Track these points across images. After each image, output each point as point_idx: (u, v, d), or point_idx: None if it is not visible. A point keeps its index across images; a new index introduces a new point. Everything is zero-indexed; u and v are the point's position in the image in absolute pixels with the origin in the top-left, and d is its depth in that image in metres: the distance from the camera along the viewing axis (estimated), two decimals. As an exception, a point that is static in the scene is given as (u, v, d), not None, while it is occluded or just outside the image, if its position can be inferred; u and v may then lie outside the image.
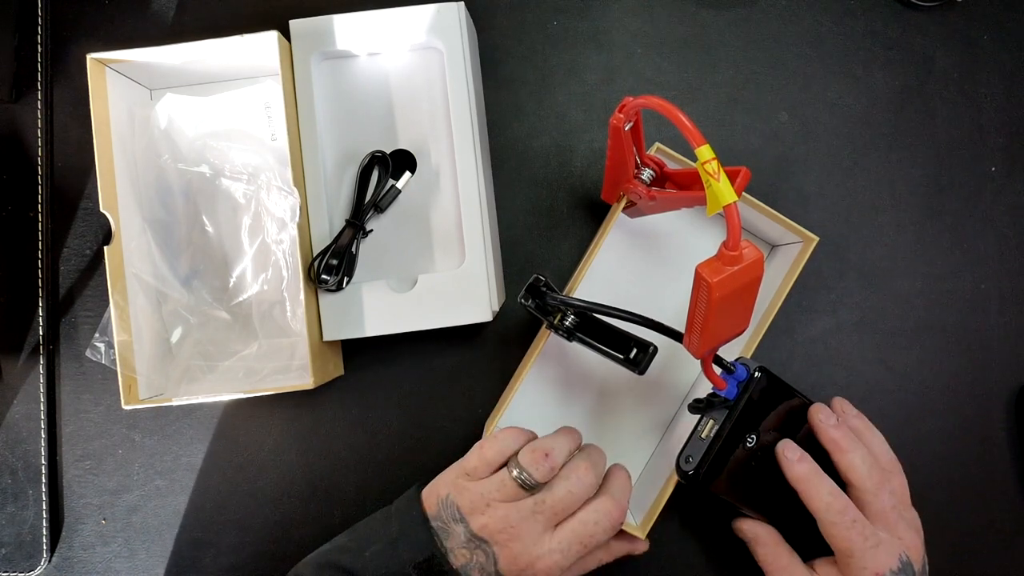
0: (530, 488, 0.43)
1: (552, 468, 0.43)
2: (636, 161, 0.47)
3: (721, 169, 0.34)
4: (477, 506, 0.43)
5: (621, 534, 0.48)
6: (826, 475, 0.46)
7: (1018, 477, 0.56)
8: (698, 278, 0.36)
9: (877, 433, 0.49)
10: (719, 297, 0.36)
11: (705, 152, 0.34)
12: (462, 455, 0.46)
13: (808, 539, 0.48)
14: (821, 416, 0.48)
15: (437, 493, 0.44)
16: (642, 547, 0.49)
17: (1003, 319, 0.56)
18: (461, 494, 0.44)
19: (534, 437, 0.46)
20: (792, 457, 0.46)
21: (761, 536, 0.49)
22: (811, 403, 0.50)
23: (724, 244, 0.35)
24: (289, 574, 0.46)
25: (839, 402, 0.50)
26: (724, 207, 0.34)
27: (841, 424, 0.48)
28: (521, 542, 0.42)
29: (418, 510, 0.44)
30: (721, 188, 0.34)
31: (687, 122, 0.35)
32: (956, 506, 0.55)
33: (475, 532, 0.42)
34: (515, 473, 0.43)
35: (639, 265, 0.55)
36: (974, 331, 0.56)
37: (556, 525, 0.43)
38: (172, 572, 0.56)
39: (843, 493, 0.45)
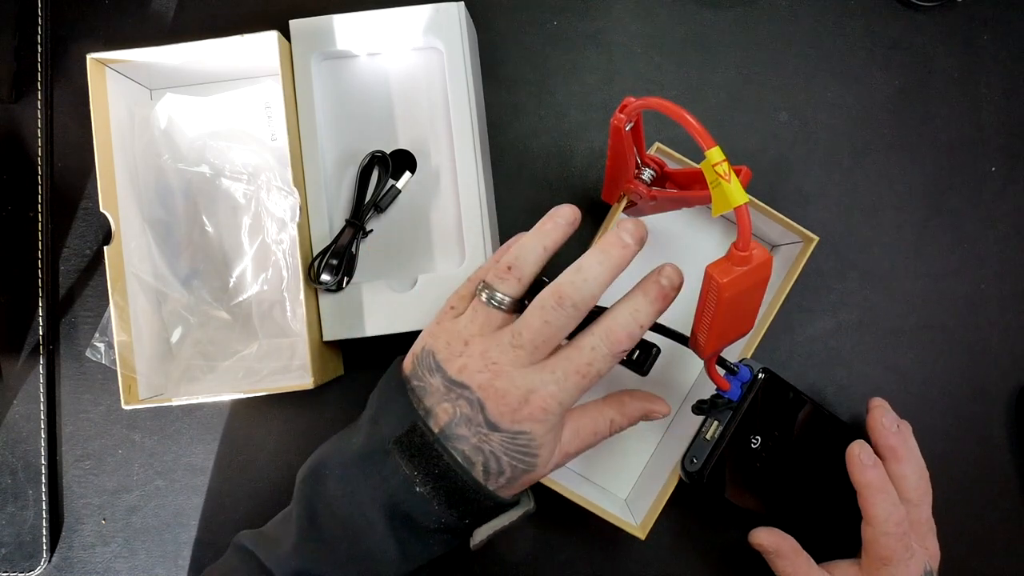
0: (507, 310, 0.38)
1: (519, 280, 0.38)
2: (636, 161, 0.47)
3: (732, 171, 0.34)
4: (454, 348, 0.37)
5: (637, 392, 0.43)
6: (891, 485, 0.46)
7: (1018, 477, 0.56)
8: (708, 278, 0.36)
9: (914, 446, 0.50)
10: (728, 297, 0.36)
11: (716, 154, 0.34)
12: None
13: (814, 539, 0.49)
14: (885, 421, 0.48)
15: (414, 350, 0.39)
16: (662, 409, 0.43)
17: (1003, 319, 0.56)
18: (437, 339, 0.38)
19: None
20: (867, 462, 0.46)
21: (783, 548, 0.48)
22: (814, 404, 0.50)
23: (734, 244, 0.35)
24: (301, 469, 0.42)
25: (880, 410, 0.50)
26: (735, 208, 0.34)
27: (900, 431, 0.48)
28: (507, 377, 0.36)
29: (396, 378, 0.39)
30: (732, 189, 0.34)
31: (696, 124, 0.35)
32: (956, 506, 0.55)
33: (453, 378, 0.37)
34: (484, 296, 0.38)
35: (639, 265, 0.55)
36: (974, 331, 0.56)
37: (546, 357, 0.37)
38: (172, 572, 0.56)
39: (901, 505, 0.46)
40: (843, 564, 0.48)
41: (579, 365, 0.37)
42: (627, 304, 0.38)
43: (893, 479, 0.47)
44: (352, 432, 0.41)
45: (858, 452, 0.46)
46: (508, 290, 0.38)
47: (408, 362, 0.40)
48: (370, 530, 0.37)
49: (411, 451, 0.36)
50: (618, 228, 0.38)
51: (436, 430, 0.37)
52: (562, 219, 0.39)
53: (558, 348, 0.38)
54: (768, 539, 0.48)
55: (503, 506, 0.39)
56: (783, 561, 0.47)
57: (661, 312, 0.39)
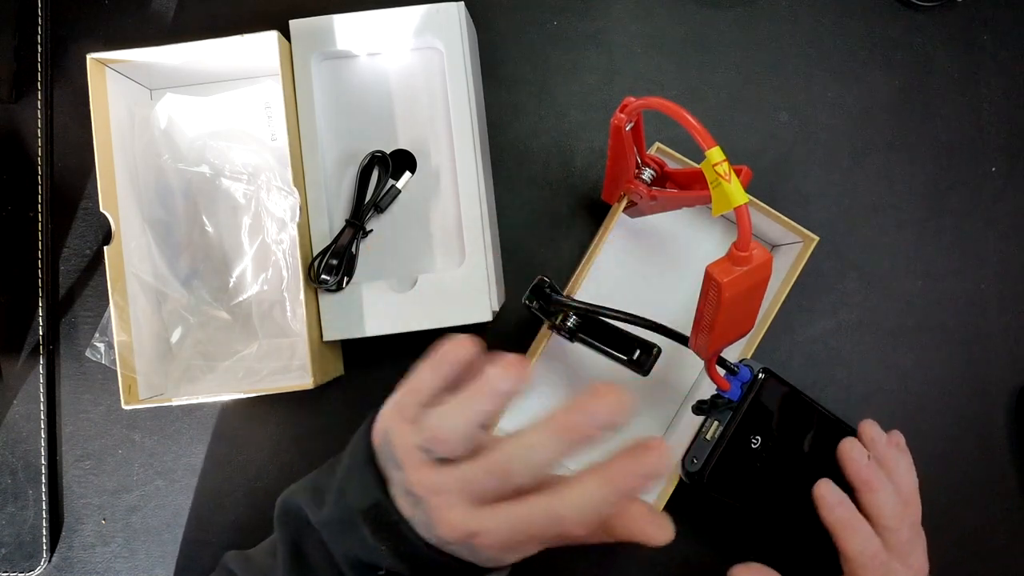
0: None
1: (452, 452, 0.34)
2: (637, 161, 0.47)
3: (732, 171, 0.34)
4: (411, 457, 0.35)
5: (633, 511, 0.37)
6: (862, 518, 0.46)
7: (1018, 477, 0.56)
8: (708, 278, 0.36)
9: (904, 458, 0.49)
10: (729, 297, 0.36)
11: (716, 154, 0.34)
12: None
13: (815, 539, 0.49)
14: (854, 454, 0.48)
15: (382, 425, 0.37)
16: (658, 537, 0.36)
17: (1003, 319, 0.56)
18: (399, 435, 0.36)
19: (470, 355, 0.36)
20: (832, 500, 0.46)
21: None
22: (815, 403, 0.50)
23: (734, 244, 0.35)
24: (277, 506, 0.41)
25: (869, 428, 0.49)
26: (735, 208, 0.34)
27: (871, 463, 0.48)
28: (455, 511, 0.34)
29: (366, 451, 0.37)
30: (732, 189, 0.34)
31: (696, 123, 0.35)
32: (956, 506, 0.55)
33: (408, 488, 0.35)
34: (418, 443, 0.35)
35: (640, 265, 0.55)
36: (974, 331, 0.56)
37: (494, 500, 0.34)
38: (172, 572, 0.56)
39: (875, 536, 0.46)
40: None
41: (525, 527, 0.34)
42: (587, 487, 0.33)
43: (867, 509, 0.47)
44: (324, 483, 0.39)
45: (822, 493, 0.47)
46: (447, 453, 0.35)
47: (377, 436, 0.37)
48: None
49: (376, 526, 0.35)
50: (583, 405, 0.33)
51: (401, 513, 0.35)
52: (498, 390, 0.34)
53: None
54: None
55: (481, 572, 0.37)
56: None
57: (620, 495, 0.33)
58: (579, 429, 0.32)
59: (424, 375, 0.37)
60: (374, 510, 0.35)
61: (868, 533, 0.46)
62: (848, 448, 0.48)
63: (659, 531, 0.35)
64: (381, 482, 0.36)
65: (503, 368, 0.34)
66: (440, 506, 0.34)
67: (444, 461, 0.34)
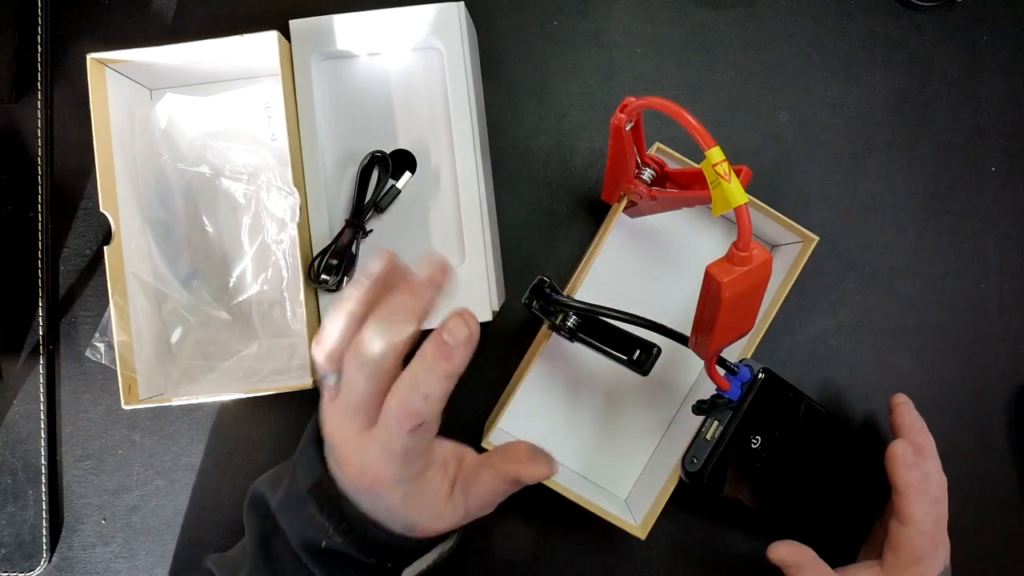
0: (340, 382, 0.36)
1: (330, 353, 0.35)
2: (637, 161, 0.47)
3: (732, 171, 0.34)
4: (324, 410, 0.37)
5: (507, 450, 0.39)
6: (929, 484, 0.47)
7: (1018, 477, 0.56)
8: (708, 278, 0.36)
9: (933, 444, 0.50)
10: (729, 297, 0.36)
11: (716, 154, 0.34)
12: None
13: (815, 539, 0.49)
14: (909, 419, 0.49)
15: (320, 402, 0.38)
16: (537, 471, 0.38)
17: (1003, 319, 0.56)
18: (323, 400, 0.37)
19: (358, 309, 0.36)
20: (910, 461, 0.46)
21: (803, 561, 0.47)
22: (815, 403, 0.50)
23: (735, 244, 0.35)
24: (249, 490, 0.42)
25: (905, 407, 0.50)
26: (735, 208, 0.34)
27: (925, 429, 0.49)
28: (350, 447, 0.35)
29: (312, 427, 0.38)
30: (732, 189, 0.34)
31: (696, 123, 0.35)
32: (956, 506, 0.55)
33: (328, 439, 0.36)
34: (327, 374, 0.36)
35: (640, 265, 0.55)
36: (974, 331, 0.56)
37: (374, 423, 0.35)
38: (172, 572, 0.56)
39: (936, 504, 0.46)
40: (859, 568, 0.48)
41: (384, 441, 0.35)
42: (407, 373, 0.34)
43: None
44: (287, 467, 0.40)
45: (902, 452, 0.47)
46: (329, 368, 0.36)
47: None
48: (310, 565, 0.37)
49: (321, 502, 0.36)
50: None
51: (339, 485, 0.36)
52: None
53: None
54: (789, 553, 0.48)
55: (423, 547, 0.38)
56: (804, 574, 0.47)
57: (449, 377, 0.34)
58: (412, 304, 0.34)
59: (350, 295, 0.36)
60: (318, 486, 0.36)
61: (932, 499, 0.46)
62: (906, 412, 0.49)
63: (539, 467, 0.38)
64: (321, 460, 0.36)
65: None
66: (339, 443, 0.35)
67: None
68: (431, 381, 0.33)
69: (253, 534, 0.40)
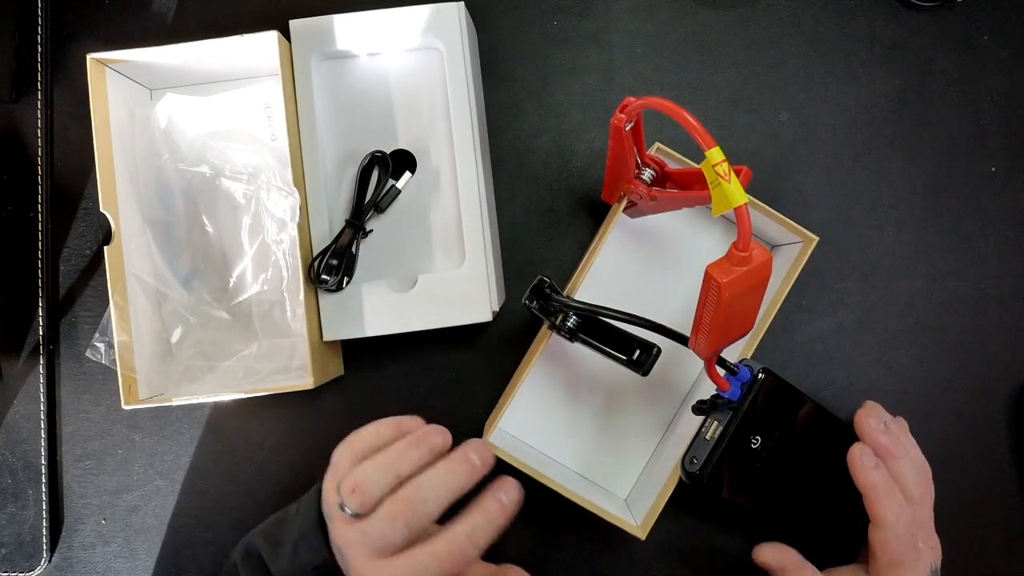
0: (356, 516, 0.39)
1: (364, 503, 0.38)
2: (637, 161, 0.47)
3: (732, 171, 0.34)
4: (334, 513, 0.39)
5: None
6: (896, 485, 0.46)
7: (1018, 477, 0.56)
8: (708, 278, 0.36)
9: (909, 444, 0.49)
10: (729, 297, 0.36)
11: (716, 154, 0.34)
12: None
13: (814, 540, 0.49)
14: (871, 422, 0.48)
15: (328, 488, 0.41)
16: None
17: (1003, 319, 0.56)
18: (329, 494, 0.40)
19: (398, 433, 0.40)
20: (869, 463, 0.46)
21: (787, 564, 0.48)
22: (814, 404, 0.50)
23: (734, 245, 0.35)
24: (234, 549, 0.45)
25: (868, 411, 0.49)
26: (735, 208, 0.34)
27: (889, 430, 0.48)
28: (361, 564, 0.37)
29: (316, 511, 0.41)
30: (732, 190, 0.34)
31: (696, 124, 0.35)
32: (956, 506, 0.55)
33: (332, 540, 0.39)
34: (340, 500, 0.39)
35: (640, 265, 0.55)
36: (974, 331, 0.56)
37: (396, 553, 0.38)
38: (172, 572, 0.56)
39: (907, 506, 0.46)
40: (846, 571, 0.48)
41: (418, 571, 0.37)
42: (466, 523, 0.37)
43: (892, 478, 0.46)
44: (281, 534, 0.43)
45: (859, 454, 0.46)
46: (359, 509, 0.38)
47: (325, 497, 0.41)
48: None
49: None
50: (466, 448, 0.38)
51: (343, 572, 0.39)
52: (424, 443, 0.39)
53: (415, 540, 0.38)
54: (772, 556, 0.48)
55: None
56: None
57: (502, 529, 0.38)
58: (460, 461, 0.38)
59: (360, 434, 0.41)
60: (323, 568, 0.40)
61: (902, 501, 0.45)
62: (865, 415, 0.48)
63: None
64: (327, 542, 0.40)
65: (429, 430, 0.39)
66: (352, 558, 0.38)
67: (359, 520, 0.38)
68: (487, 534, 0.37)
69: None
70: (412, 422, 0.41)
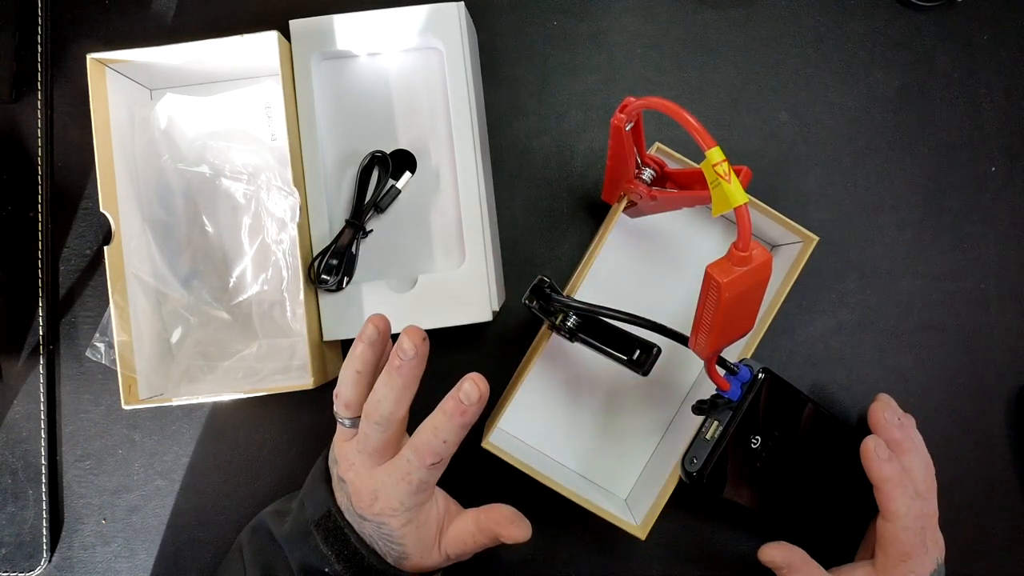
0: (352, 427, 0.44)
1: (346, 404, 0.43)
2: (637, 161, 0.47)
3: (732, 171, 0.34)
4: (339, 449, 0.44)
5: (500, 510, 0.45)
6: (908, 478, 0.46)
7: (1018, 477, 0.56)
8: (708, 278, 0.36)
9: (918, 439, 0.49)
10: (729, 297, 0.36)
11: (716, 154, 0.34)
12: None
13: (814, 539, 0.49)
14: (887, 415, 0.48)
15: (333, 442, 0.46)
16: (517, 533, 0.44)
17: (1003, 319, 0.56)
18: (336, 438, 0.45)
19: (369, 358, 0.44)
20: (883, 456, 0.46)
21: (794, 562, 0.48)
22: (814, 404, 0.50)
23: (734, 245, 0.35)
24: (244, 529, 0.49)
25: (884, 404, 0.49)
26: (735, 208, 0.34)
27: (903, 424, 0.48)
28: (360, 478, 0.42)
29: (323, 463, 0.46)
30: (732, 190, 0.34)
31: (695, 123, 0.35)
32: (956, 506, 0.55)
33: (339, 474, 0.44)
34: (336, 413, 0.44)
35: (640, 265, 0.55)
36: (974, 331, 0.56)
37: (388, 459, 0.43)
38: (172, 572, 0.56)
39: (918, 499, 0.46)
40: (853, 568, 0.48)
41: (403, 473, 0.42)
42: (430, 421, 0.42)
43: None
44: (290, 502, 0.47)
45: (873, 447, 0.46)
46: (341, 414, 0.44)
47: (331, 449, 0.46)
48: None
49: (326, 533, 0.43)
50: (400, 341, 0.42)
51: (346, 516, 0.43)
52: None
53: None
54: (779, 554, 0.48)
55: None
56: (796, 575, 0.47)
57: (464, 427, 0.42)
58: (401, 371, 0.42)
59: (352, 360, 0.44)
60: (325, 519, 0.43)
61: (913, 494, 0.46)
62: (879, 410, 0.48)
63: (519, 530, 0.44)
64: (331, 495, 0.43)
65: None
66: (352, 478, 0.42)
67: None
68: (449, 429, 0.41)
69: (255, 562, 0.45)
70: (376, 325, 0.44)
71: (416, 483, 0.42)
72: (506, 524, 0.44)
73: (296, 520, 0.44)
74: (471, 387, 0.41)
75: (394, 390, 0.42)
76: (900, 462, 0.47)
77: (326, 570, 0.42)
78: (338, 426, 0.45)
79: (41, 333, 0.56)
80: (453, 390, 0.42)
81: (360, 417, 0.43)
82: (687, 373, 0.55)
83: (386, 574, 0.43)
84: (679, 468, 0.48)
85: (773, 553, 0.48)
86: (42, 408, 0.56)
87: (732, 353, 0.48)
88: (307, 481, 0.47)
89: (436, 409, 0.42)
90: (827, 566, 0.49)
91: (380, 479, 0.42)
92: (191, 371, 0.53)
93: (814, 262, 0.55)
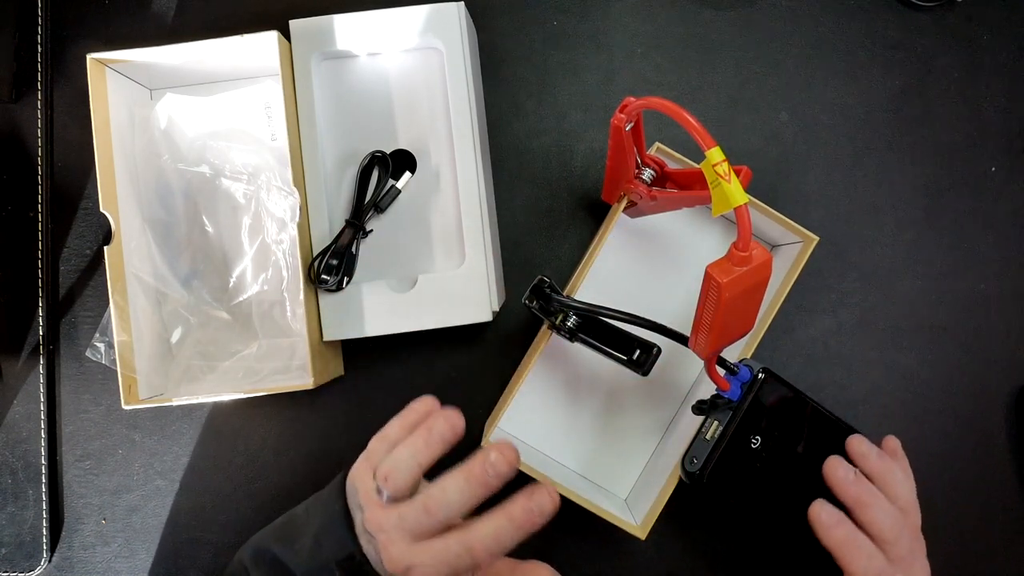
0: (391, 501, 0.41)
1: (395, 491, 0.40)
2: (637, 161, 0.47)
3: (732, 171, 0.34)
4: (369, 498, 0.42)
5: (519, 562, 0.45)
6: (862, 535, 0.45)
7: (1018, 477, 0.56)
8: (708, 278, 0.36)
9: (900, 464, 0.48)
10: (729, 297, 0.36)
11: (716, 154, 0.34)
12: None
13: (814, 540, 0.48)
14: (839, 474, 0.46)
15: (352, 477, 0.44)
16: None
17: (1003, 319, 0.56)
18: (362, 479, 0.42)
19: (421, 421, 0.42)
20: (829, 521, 0.45)
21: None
22: (814, 404, 0.50)
23: (734, 245, 0.35)
24: (238, 554, 0.46)
25: (858, 443, 0.48)
26: (735, 208, 0.34)
27: (858, 479, 0.47)
28: (396, 547, 0.40)
29: (340, 502, 0.43)
30: (732, 190, 0.34)
31: (695, 124, 0.35)
32: (956, 506, 0.55)
33: (364, 526, 0.41)
34: (376, 484, 0.41)
35: (640, 265, 0.55)
36: (974, 331, 0.56)
37: (429, 536, 0.40)
38: (172, 572, 0.56)
39: (878, 552, 0.45)
40: None
41: (448, 559, 0.40)
42: (492, 523, 0.39)
43: (864, 526, 0.45)
44: (295, 531, 0.45)
45: (818, 512, 0.45)
46: (392, 494, 0.41)
47: (350, 487, 0.43)
48: None
49: (348, 574, 0.41)
50: (485, 457, 0.39)
51: (374, 567, 0.41)
52: (437, 435, 0.41)
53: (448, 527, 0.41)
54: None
55: None
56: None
57: (526, 536, 0.39)
58: (480, 477, 0.39)
59: (392, 425, 0.42)
60: (348, 561, 0.41)
61: (871, 550, 0.45)
62: (833, 468, 0.47)
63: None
64: (353, 534, 0.42)
65: (443, 418, 0.41)
66: (385, 542, 0.40)
67: (394, 505, 0.40)
68: (513, 538, 0.39)
69: None
70: (424, 404, 0.43)
71: (459, 571, 0.40)
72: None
73: (315, 557, 0.43)
74: (545, 499, 0.39)
75: (470, 499, 0.39)
76: (861, 517, 0.45)
77: None
78: (373, 496, 0.42)
79: (41, 333, 0.56)
80: (523, 496, 0.39)
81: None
82: (687, 373, 0.55)
83: None
84: (679, 468, 0.48)
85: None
86: (42, 408, 0.56)
87: (732, 353, 0.48)
88: (318, 511, 0.44)
89: (499, 511, 0.39)
90: (827, 567, 0.49)
91: (419, 557, 0.40)
92: (191, 371, 0.53)
93: (814, 262, 0.55)
